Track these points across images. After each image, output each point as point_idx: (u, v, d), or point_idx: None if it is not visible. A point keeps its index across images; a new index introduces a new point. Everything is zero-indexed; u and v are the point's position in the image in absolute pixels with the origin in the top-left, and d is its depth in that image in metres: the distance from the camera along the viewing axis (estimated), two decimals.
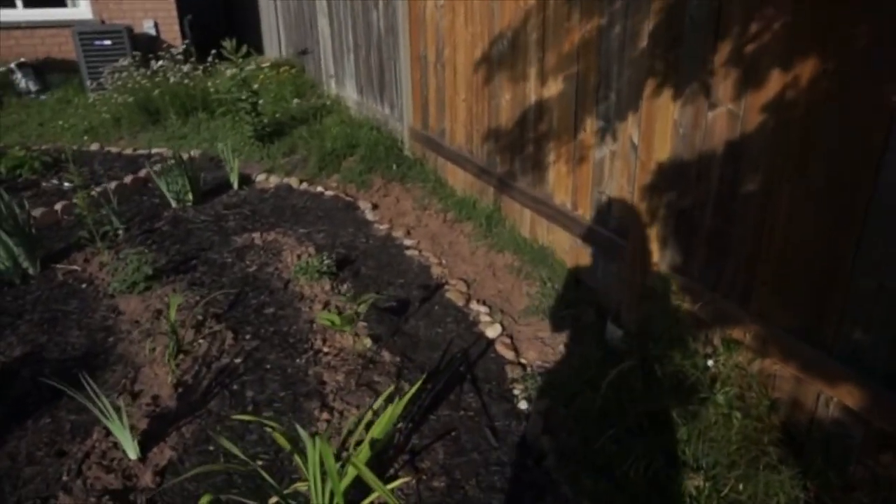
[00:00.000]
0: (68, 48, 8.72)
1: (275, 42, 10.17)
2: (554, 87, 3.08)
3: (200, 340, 2.78)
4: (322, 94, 7.33)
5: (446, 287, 3.27)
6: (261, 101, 6.37)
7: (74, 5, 9.22)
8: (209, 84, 6.64)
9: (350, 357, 2.64)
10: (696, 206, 2.32)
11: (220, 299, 3.14)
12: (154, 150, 5.74)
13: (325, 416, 2.31)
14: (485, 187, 3.97)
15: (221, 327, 2.85)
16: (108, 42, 8.39)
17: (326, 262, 3.31)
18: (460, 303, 3.12)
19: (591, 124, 2.85)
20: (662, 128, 2.37)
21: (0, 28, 8.71)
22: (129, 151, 5.78)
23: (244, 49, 5.66)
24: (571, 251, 3.20)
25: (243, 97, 5.38)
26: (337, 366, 2.59)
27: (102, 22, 9.09)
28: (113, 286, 3.22)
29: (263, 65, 7.86)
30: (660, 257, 2.53)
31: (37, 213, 4.08)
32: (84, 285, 3.33)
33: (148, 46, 8.96)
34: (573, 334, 2.86)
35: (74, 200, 4.32)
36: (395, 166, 4.89)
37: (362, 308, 2.73)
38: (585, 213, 3.01)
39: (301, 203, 4.50)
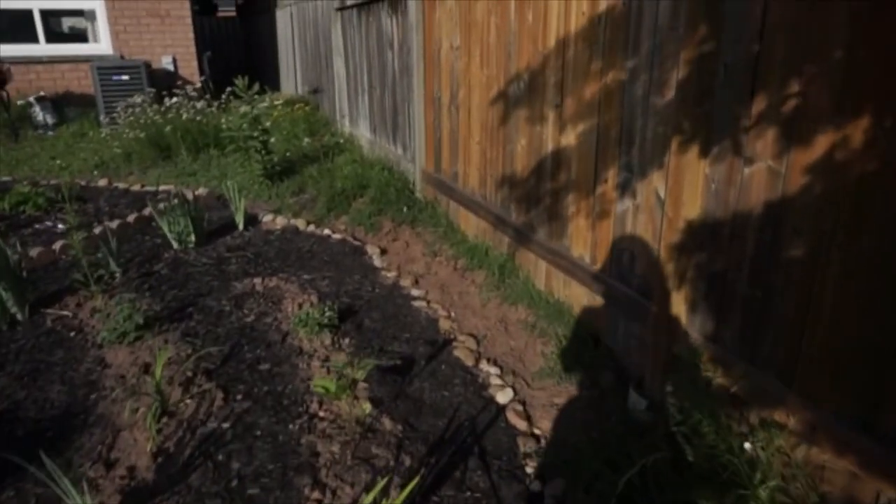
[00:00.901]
0: (87, 83, 8.80)
1: (291, 80, 10.20)
2: (573, 136, 2.90)
3: (188, 401, 2.57)
4: (336, 132, 7.26)
5: (454, 344, 3.06)
6: (272, 139, 6.30)
7: (96, 41, 9.33)
8: (222, 121, 6.59)
9: (347, 424, 2.42)
10: (729, 269, 2.10)
11: (213, 353, 2.94)
12: (162, 188, 5.64)
13: (315, 494, 2.08)
14: (499, 235, 3.78)
15: (211, 386, 2.65)
16: (125, 77, 8.45)
17: (328, 314, 3.11)
18: (469, 362, 2.90)
19: (612, 176, 2.67)
20: (692, 183, 2.17)
21: (22, 62, 8.81)
22: (136, 188, 5.69)
23: (256, 86, 5.60)
24: (590, 308, 2.98)
25: (253, 135, 5.28)
26: (333, 434, 2.37)
27: (122, 57, 9.17)
28: (102, 335, 3.04)
29: (277, 102, 7.82)
30: (688, 322, 2.31)
31: (34, 252, 3.95)
32: (73, 333, 3.16)
33: (166, 82, 9.02)
34: (592, 401, 2.62)
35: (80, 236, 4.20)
36: (405, 209, 4.73)
37: (360, 374, 2.52)
38: (606, 268, 2.80)
39: (307, 246, 4.34)
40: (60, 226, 4.57)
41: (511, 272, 3.59)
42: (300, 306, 3.41)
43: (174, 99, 7.26)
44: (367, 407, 2.51)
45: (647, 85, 2.37)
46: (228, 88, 6.95)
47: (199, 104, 7.07)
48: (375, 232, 4.58)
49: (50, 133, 8.17)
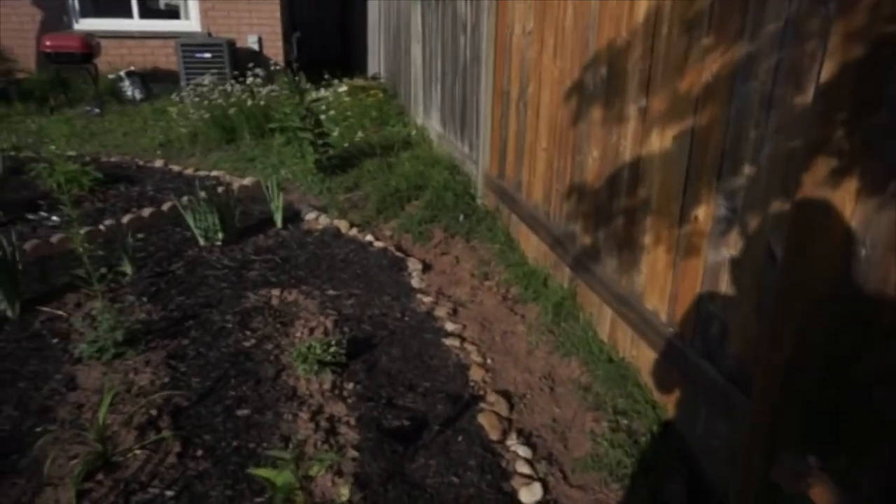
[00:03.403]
0: (174, 59, 8.75)
1: (376, 65, 9.80)
2: (657, 145, 2.17)
3: (137, 451, 2.10)
4: (408, 122, 6.73)
5: (482, 405, 2.41)
6: (336, 130, 5.86)
7: (186, 17, 9.31)
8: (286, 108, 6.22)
9: None
10: (885, 382, 1.34)
11: (193, 385, 2.47)
12: (214, 173, 5.32)
13: None
14: (561, 266, 3.08)
15: (170, 435, 2.16)
16: (207, 55, 8.33)
17: (333, 349, 2.56)
18: (494, 435, 2.25)
19: (707, 207, 1.92)
20: (830, 237, 1.41)
21: (115, 37, 8.91)
22: (189, 171, 5.40)
23: (325, 75, 5.14)
24: (661, 380, 2.25)
25: (304, 126, 4.82)
26: None
27: (209, 34, 9.08)
28: (81, 348, 2.64)
29: (347, 88, 7.39)
30: (803, 444, 1.55)
31: (55, 238, 3.67)
32: (56, 340, 2.79)
33: (250, 60, 8.83)
34: None
35: (102, 227, 3.90)
36: (461, 217, 4.11)
37: (345, 454, 1.93)
38: (687, 334, 2.06)
39: (343, 254, 3.81)
40: (54, 217, 4.16)
41: (569, 313, 2.89)
42: (311, 331, 2.89)
43: (248, 80, 6.99)
44: (345, 493, 1.93)
45: (770, 80, 1.62)
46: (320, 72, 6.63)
47: (266, 88, 6.74)
48: (424, 242, 3.99)
49: (137, 107, 8.18)
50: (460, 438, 2.23)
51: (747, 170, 1.73)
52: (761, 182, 1.68)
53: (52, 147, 5.38)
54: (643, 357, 2.37)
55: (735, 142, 1.77)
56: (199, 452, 2.12)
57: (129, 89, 8.74)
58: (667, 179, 2.12)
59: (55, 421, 2.25)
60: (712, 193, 1.89)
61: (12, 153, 5.92)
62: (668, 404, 2.21)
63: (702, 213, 1.94)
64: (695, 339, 2.02)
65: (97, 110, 7.59)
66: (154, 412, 2.28)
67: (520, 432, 2.28)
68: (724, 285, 1.86)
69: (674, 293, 2.13)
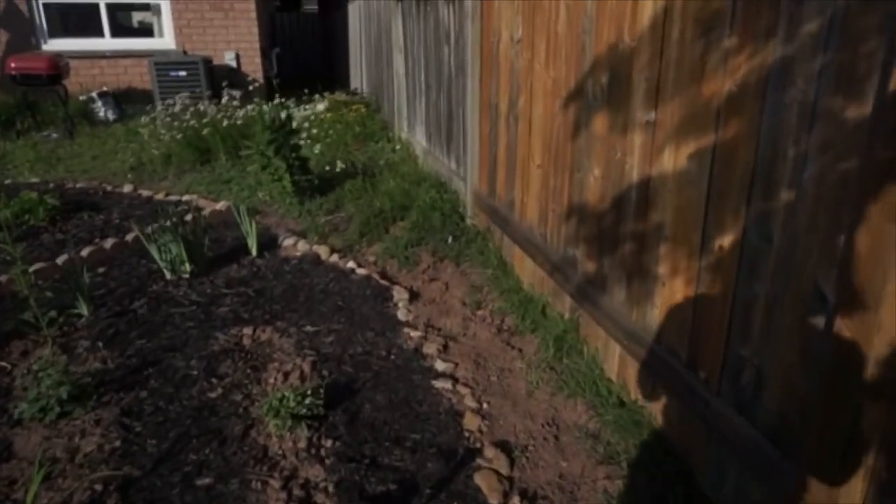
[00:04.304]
0: (149, 78, 8.45)
1: (358, 78, 9.56)
2: (670, 164, 1.90)
3: None
4: (392, 137, 6.47)
5: (479, 461, 2.12)
6: (316, 148, 5.59)
7: (160, 35, 9.04)
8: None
9: None
10: None
11: (149, 450, 2.16)
12: (185, 197, 5.01)
13: None
14: (560, 293, 2.81)
15: None
16: (182, 73, 8.05)
17: (308, 399, 2.26)
18: (494, 499, 1.95)
19: (733, 235, 1.65)
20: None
21: (87, 57, 8.61)
22: (160, 196, 5.09)
23: (307, 90, 4.86)
24: (682, 431, 1.97)
25: (277, 155, 4.52)
26: None
27: (185, 52, 8.80)
28: (22, 408, 2.33)
29: (328, 103, 7.12)
30: None
31: (3, 278, 3.34)
32: None
33: (227, 78, 8.55)
34: None
35: (59, 261, 3.58)
36: (450, 239, 3.83)
37: None
38: (712, 379, 1.78)
39: (322, 284, 3.51)
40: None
41: (572, 347, 2.61)
42: (286, 376, 2.59)
43: (224, 99, 6.72)
44: None
45: (813, 88, 1.35)
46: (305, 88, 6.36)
47: (245, 108, 6.45)
48: (411, 268, 3.70)
49: (109, 128, 7.86)
50: None
51: (785, 194, 1.46)
52: (804, 209, 1.41)
53: (14, 174, 5.07)
54: (659, 402, 2.09)
55: (768, 161, 1.50)
56: None
57: (102, 110, 8.42)
58: (683, 203, 1.85)
59: None
60: (740, 220, 1.62)
61: None
62: (691, 459, 1.93)
63: (728, 242, 1.67)
64: (722, 387, 1.75)
65: (55, 135, 7.26)
66: (99, 487, 1.97)
67: (523, 494, 1.99)
68: (759, 326, 1.59)
69: (695, 332, 1.86)
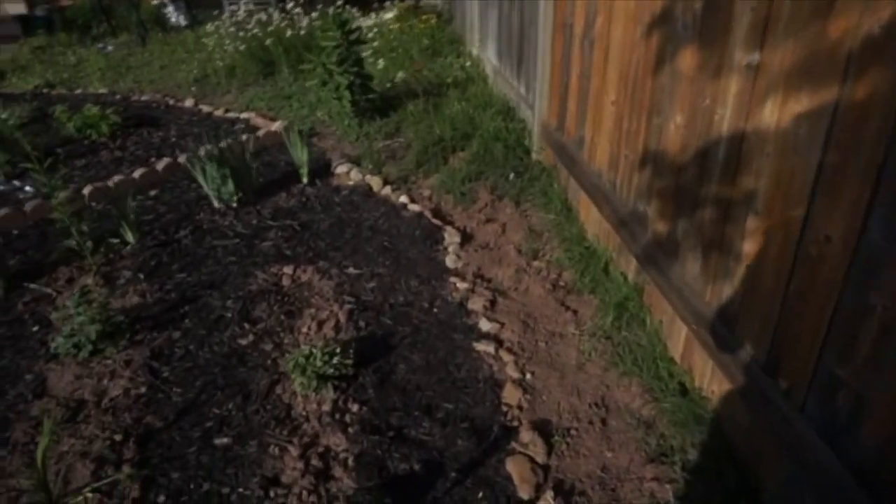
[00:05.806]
0: None
1: None
2: (772, 120, 1.51)
3: (88, 494, 1.74)
4: (462, 52, 6.01)
5: (513, 444, 1.92)
6: (380, 64, 5.25)
7: None
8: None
9: None
10: None
11: (173, 399, 2.09)
12: (244, 115, 4.85)
13: None
14: (625, 252, 2.48)
15: (128, 475, 1.79)
16: None
17: (336, 359, 2.10)
18: (525, 492, 1.76)
19: (848, 225, 1.28)
20: None
21: None
22: (219, 112, 4.96)
23: None
24: (751, 440, 1.68)
25: (340, 69, 4.22)
26: None
27: None
28: (57, 342, 2.31)
29: (398, 12, 6.67)
30: None
31: (64, 194, 3.33)
32: (36, 328, 2.48)
33: None
34: None
35: (111, 183, 3.54)
36: (512, 175, 3.51)
37: None
38: (796, 394, 1.47)
39: (372, 220, 3.31)
40: (28, 188, 3.68)
41: (634, 316, 2.31)
42: (320, 326, 2.45)
43: (289, 5, 6.40)
44: None
45: None
46: None
47: (310, 16, 6.12)
48: (467, 206, 3.43)
49: (180, 34, 7.76)
50: (481, 495, 1.76)
51: None
52: None
53: (86, 82, 5.06)
54: (727, 399, 1.80)
55: None
56: (161, 499, 1.74)
57: (174, 15, 8.33)
58: (784, 173, 1.47)
59: (7, 444, 1.93)
60: (860, 209, 1.24)
61: (45, 90, 5.67)
62: (759, 474, 1.65)
63: (839, 233, 1.31)
64: (808, 405, 1.43)
65: (109, 48, 7.22)
66: (119, 437, 1.92)
67: (558, 488, 1.79)
68: (868, 346, 1.25)
69: (781, 333, 1.52)
